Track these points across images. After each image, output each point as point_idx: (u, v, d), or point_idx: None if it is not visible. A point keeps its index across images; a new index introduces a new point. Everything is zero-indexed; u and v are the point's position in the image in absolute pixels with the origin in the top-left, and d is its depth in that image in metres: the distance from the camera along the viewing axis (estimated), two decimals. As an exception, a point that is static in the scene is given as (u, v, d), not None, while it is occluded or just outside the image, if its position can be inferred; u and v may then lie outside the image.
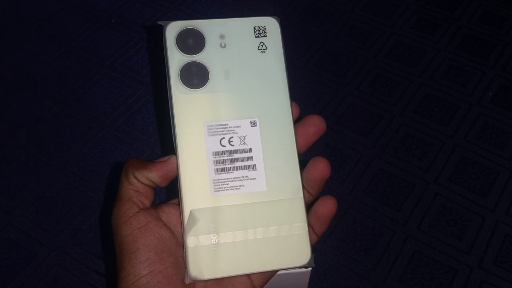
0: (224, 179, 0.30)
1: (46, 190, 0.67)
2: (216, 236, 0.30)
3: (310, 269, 0.50)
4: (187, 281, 0.30)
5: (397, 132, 0.74)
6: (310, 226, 0.31)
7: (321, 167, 0.31)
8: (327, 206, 0.31)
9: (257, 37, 0.33)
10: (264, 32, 0.33)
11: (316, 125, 0.33)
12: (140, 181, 0.31)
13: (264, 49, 0.33)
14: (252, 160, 0.31)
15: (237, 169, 0.31)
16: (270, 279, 0.33)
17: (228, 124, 0.31)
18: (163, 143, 0.72)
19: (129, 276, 0.29)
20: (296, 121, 0.33)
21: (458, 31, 0.86)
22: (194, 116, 0.31)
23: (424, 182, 0.69)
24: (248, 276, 0.31)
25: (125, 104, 0.76)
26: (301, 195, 0.31)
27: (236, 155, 0.31)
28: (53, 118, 0.75)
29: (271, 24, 0.33)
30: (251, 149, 0.31)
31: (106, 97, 0.77)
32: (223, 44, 0.32)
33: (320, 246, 0.63)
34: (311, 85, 0.79)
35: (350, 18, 0.88)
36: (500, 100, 0.77)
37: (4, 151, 0.71)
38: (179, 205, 0.31)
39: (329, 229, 0.64)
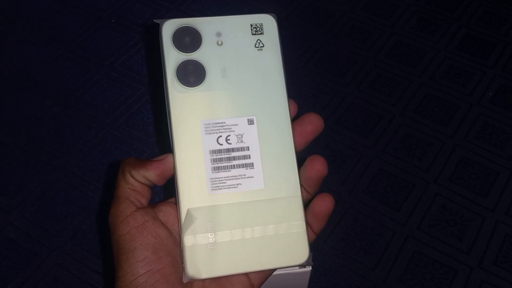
0: (222, 177, 0.30)
1: (46, 190, 0.67)
2: (213, 235, 0.30)
3: (310, 268, 0.50)
4: (184, 280, 0.29)
5: (397, 132, 0.74)
6: (308, 224, 0.31)
7: (318, 166, 0.31)
8: (324, 204, 0.31)
9: (254, 34, 0.32)
10: (261, 30, 0.33)
11: (313, 123, 0.32)
12: (137, 180, 0.31)
13: (261, 47, 0.32)
14: (250, 158, 0.31)
15: (234, 168, 0.30)
16: (268, 277, 0.33)
17: (225, 123, 0.31)
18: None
19: (126, 275, 0.29)
20: (294, 119, 0.33)
21: (458, 31, 0.86)
22: (191, 114, 0.30)
23: (424, 182, 0.69)
24: (246, 274, 0.31)
25: (125, 104, 0.76)
26: (299, 193, 0.31)
27: (233, 154, 0.31)
28: (53, 118, 0.75)
29: (268, 22, 0.33)
30: (248, 147, 0.31)
31: (106, 97, 0.77)
32: (219, 42, 0.32)
33: (320, 246, 0.63)
34: (311, 85, 0.79)
35: (350, 18, 0.88)
36: (500, 100, 0.77)
37: (4, 151, 0.71)
38: (176, 204, 0.31)
39: (329, 229, 0.64)
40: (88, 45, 0.83)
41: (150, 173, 0.31)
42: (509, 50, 0.84)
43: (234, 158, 0.31)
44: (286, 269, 0.51)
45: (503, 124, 0.75)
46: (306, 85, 0.79)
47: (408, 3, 0.90)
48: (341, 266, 0.61)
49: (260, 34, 0.33)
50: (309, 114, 0.33)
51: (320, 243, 0.63)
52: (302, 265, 0.31)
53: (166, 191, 0.66)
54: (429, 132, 0.74)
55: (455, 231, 0.64)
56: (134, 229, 0.29)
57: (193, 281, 0.30)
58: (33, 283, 0.60)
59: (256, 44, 0.32)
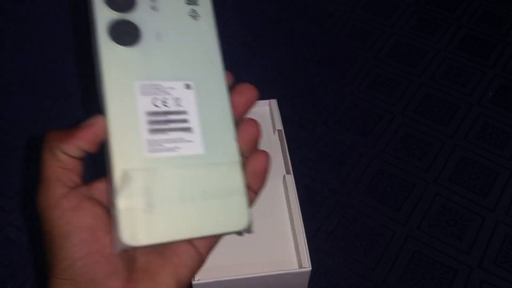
0: (159, 140, 0.28)
1: (46, 190, 0.67)
2: (151, 199, 0.27)
3: (310, 268, 0.50)
4: (117, 249, 0.27)
5: (397, 132, 0.74)
6: (247, 186, 0.30)
7: (250, 129, 0.30)
8: (260, 162, 0.30)
9: (188, 4, 0.32)
10: (195, 0, 0.32)
11: (246, 94, 0.31)
12: (69, 154, 0.29)
13: (196, 17, 0.32)
14: (188, 122, 0.29)
15: (172, 131, 0.29)
16: (215, 245, 0.31)
17: (161, 85, 0.29)
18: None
19: (63, 262, 0.27)
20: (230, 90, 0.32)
21: (458, 31, 0.86)
22: (125, 74, 0.29)
23: (424, 182, 0.69)
24: (192, 243, 0.30)
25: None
26: (238, 159, 0.30)
27: (171, 117, 0.29)
28: (53, 118, 0.74)
29: None
30: (186, 111, 0.29)
31: (106, 97, 0.77)
32: (154, 7, 0.31)
33: (320, 246, 0.63)
34: (311, 85, 0.79)
35: (350, 18, 0.88)
36: (500, 100, 0.77)
37: (4, 151, 0.71)
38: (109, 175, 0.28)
39: (329, 229, 0.64)
40: (88, 45, 0.83)
41: (83, 142, 0.29)
42: (509, 50, 0.84)
43: (171, 121, 0.29)
44: (284, 270, 0.51)
45: (503, 124, 0.75)
46: (306, 85, 0.79)
47: (408, 3, 0.90)
48: (341, 266, 0.61)
49: (195, 4, 0.32)
50: (241, 85, 0.31)
51: (320, 243, 0.63)
52: (242, 232, 0.30)
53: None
54: (429, 132, 0.74)
55: (455, 231, 0.64)
56: (68, 211, 0.28)
57: (136, 256, 0.29)
58: (33, 283, 0.60)
59: (191, 13, 0.32)
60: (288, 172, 0.57)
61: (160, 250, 0.30)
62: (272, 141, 0.61)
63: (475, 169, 0.70)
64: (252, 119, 0.31)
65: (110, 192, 0.28)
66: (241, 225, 0.29)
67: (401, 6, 0.90)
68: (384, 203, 0.67)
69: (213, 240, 0.31)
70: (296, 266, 0.52)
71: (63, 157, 0.29)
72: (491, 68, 0.81)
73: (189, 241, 0.30)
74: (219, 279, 0.49)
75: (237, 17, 0.88)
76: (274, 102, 0.64)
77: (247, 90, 0.31)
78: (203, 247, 0.30)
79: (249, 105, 0.32)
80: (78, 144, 0.29)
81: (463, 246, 0.63)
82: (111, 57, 0.29)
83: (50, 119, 0.74)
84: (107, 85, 0.28)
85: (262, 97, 0.69)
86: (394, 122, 0.75)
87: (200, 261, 0.30)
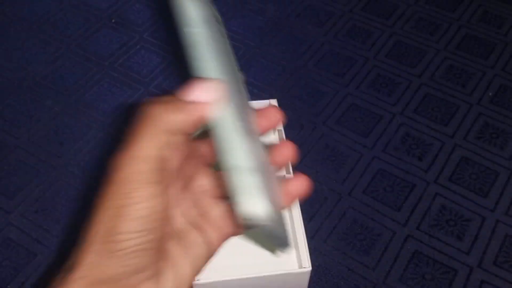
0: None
1: (46, 190, 0.67)
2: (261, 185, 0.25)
3: (310, 269, 0.50)
4: (248, 224, 0.24)
5: (397, 132, 0.74)
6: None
7: (285, 151, 0.30)
8: (299, 184, 0.29)
9: (218, 23, 0.33)
10: (220, 23, 0.34)
11: (271, 119, 0.30)
12: (188, 132, 0.25)
13: (222, 34, 0.33)
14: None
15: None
16: (227, 239, 0.30)
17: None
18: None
19: (115, 244, 0.25)
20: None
21: (458, 31, 0.86)
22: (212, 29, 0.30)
23: (424, 182, 0.69)
24: (206, 234, 0.29)
25: (125, 105, 0.76)
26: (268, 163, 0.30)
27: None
28: (53, 118, 0.75)
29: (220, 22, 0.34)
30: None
31: (106, 97, 0.77)
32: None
33: (320, 246, 0.63)
34: (311, 85, 0.79)
35: (350, 18, 0.88)
36: (500, 100, 0.77)
37: (4, 151, 0.71)
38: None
39: (329, 229, 0.64)
40: (88, 45, 0.83)
41: (206, 115, 0.25)
42: (509, 50, 0.84)
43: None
44: (284, 270, 0.51)
45: (503, 124, 0.75)
46: (306, 85, 0.79)
47: (408, 3, 0.90)
48: (341, 266, 0.61)
49: (220, 25, 0.33)
50: (268, 109, 0.30)
51: (320, 243, 0.63)
52: (284, 247, 0.29)
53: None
54: (429, 132, 0.74)
55: (455, 231, 0.64)
56: (153, 198, 0.25)
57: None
58: (33, 283, 0.60)
59: (219, 30, 0.33)
60: (288, 172, 0.57)
61: (180, 240, 0.29)
62: (272, 141, 0.61)
63: (475, 169, 0.70)
64: (290, 143, 0.30)
65: (233, 173, 0.25)
66: (288, 243, 0.29)
67: (401, 6, 0.90)
68: (384, 203, 0.67)
69: (227, 234, 0.31)
70: (296, 266, 0.52)
71: (178, 139, 0.25)
72: (491, 68, 0.81)
73: (203, 232, 0.29)
74: (219, 279, 0.49)
75: (237, 17, 0.88)
76: (274, 102, 0.64)
77: (273, 115, 0.30)
78: (217, 239, 0.30)
79: (271, 128, 0.31)
80: (202, 119, 0.25)
81: (463, 246, 0.63)
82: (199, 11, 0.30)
83: (50, 119, 0.74)
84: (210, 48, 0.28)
85: (262, 97, 0.69)
86: (394, 122, 0.75)
87: (212, 252, 0.30)
